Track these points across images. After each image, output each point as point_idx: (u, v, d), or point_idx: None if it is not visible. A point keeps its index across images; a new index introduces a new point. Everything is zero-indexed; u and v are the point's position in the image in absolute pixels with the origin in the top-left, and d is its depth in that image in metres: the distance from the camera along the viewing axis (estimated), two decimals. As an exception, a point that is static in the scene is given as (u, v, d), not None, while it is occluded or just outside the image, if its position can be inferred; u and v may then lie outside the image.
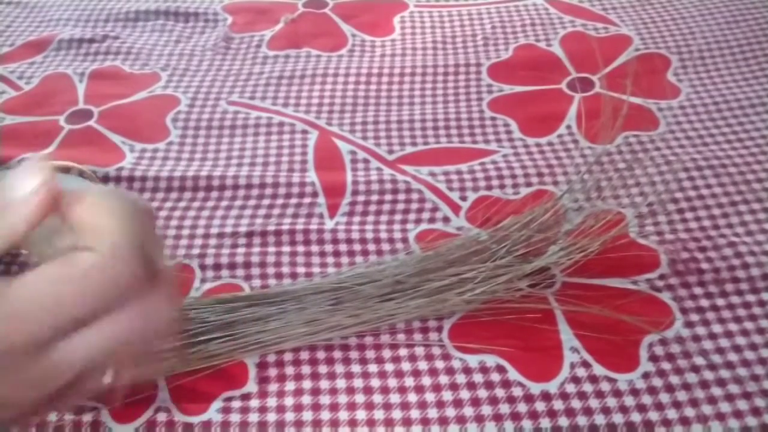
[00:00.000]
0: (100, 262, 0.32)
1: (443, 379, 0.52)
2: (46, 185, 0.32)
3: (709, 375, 0.51)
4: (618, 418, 0.49)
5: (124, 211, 0.33)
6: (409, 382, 0.52)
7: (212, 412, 0.50)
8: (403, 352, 0.54)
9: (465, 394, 0.51)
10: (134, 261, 0.32)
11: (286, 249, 0.61)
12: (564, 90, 0.78)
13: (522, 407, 0.50)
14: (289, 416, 0.50)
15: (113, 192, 0.37)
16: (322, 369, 0.53)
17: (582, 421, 0.49)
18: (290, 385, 0.52)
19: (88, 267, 0.32)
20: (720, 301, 0.56)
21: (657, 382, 0.51)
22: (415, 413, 0.50)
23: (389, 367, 0.53)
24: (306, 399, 0.51)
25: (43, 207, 0.32)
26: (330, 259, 0.61)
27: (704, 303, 0.56)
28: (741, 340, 0.53)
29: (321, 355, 0.54)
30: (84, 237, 0.32)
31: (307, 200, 0.66)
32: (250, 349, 0.53)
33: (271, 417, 0.50)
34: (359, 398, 0.51)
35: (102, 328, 0.33)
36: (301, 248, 0.61)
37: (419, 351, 0.54)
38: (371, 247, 0.61)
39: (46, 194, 0.32)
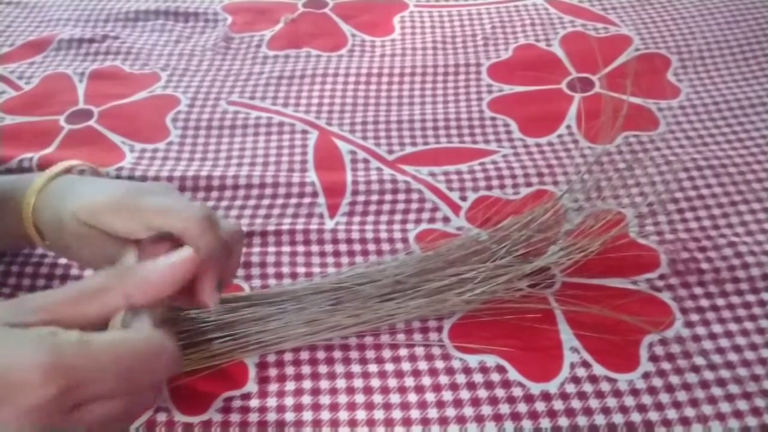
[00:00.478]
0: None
1: (443, 379, 0.52)
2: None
3: (709, 375, 0.51)
4: (618, 418, 0.49)
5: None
6: (409, 382, 0.52)
7: (212, 412, 0.50)
8: (403, 352, 0.54)
9: (465, 394, 0.51)
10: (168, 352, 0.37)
11: (286, 249, 0.61)
12: (564, 90, 0.78)
13: (522, 407, 0.50)
14: (289, 416, 0.50)
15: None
16: (322, 369, 0.53)
17: (582, 421, 0.49)
18: (290, 385, 0.52)
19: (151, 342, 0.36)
20: (720, 301, 0.56)
21: (657, 382, 0.51)
22: (415, 413, 0.50)
23: (389, 367, 0.53)
24: (306, 399, 0.51)
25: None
26: (330, 259, 0.60)
27: (704, 303, 0.56)
28: (741, 340, 0.53)
29: (321, 355, 0.54)
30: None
31: (307, 200, 0.66)
32: (250, 349, 0.53)
33: (271, 417, 0.50)
34: (359, 398, 0.51)
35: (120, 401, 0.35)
36: (301, 248, 0.61)
37: (419, 351, 0.54)
38: (371, 247, 0.61)
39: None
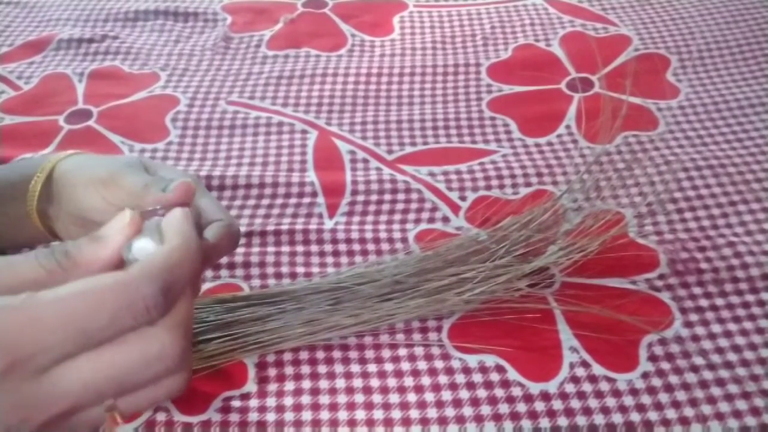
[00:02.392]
0: (119, 285, 0.32)
1: (442, 379, 0.52)
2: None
3: (708, 375, 0.51)
4: (617, 418, 0.49)
5: (173, 242, 0.35)
6: (409, 381, 0.52)
7: (211, 412, 0.50)
8: (402, 351, 0.54)
9: (464, 394, 0.51)
10: (151, 293, 0.33)
11: (286, 249, 0.61)
12: (563, 90, 0.78)
13: (521, 407, 0.50)
14: (289, 416, 0.50)
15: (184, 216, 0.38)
16: (322, 369, 0.53)
17: (581, 420, 0.49)
18: (289, 385, 0.52)
19: (106, 287, 0.32)
20: (719, 301, 0.56)
21: (656, 381, 0.51)
22: (414, 413, 0.50)
23: (388, 366, 0.53)
24: (305, 399, 0.51)
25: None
26: (329, 259, 0.60)
27: (703, 303, 0.56)
28: (740, 340, 0.53)
29: (320, 354, 0.54)
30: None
31: (306, 200, 0.66)
32: (249, 349, 0.53)
33: (271, 417, 0.50)
34: (358, 398, 0.51)
35: (103, 358, 0.32)
36: (300, 248, 0.61)
37: (418, 351, 0.54)
38: (370, 246, 0.61)
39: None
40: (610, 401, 0.50)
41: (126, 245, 0.36)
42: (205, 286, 0.58)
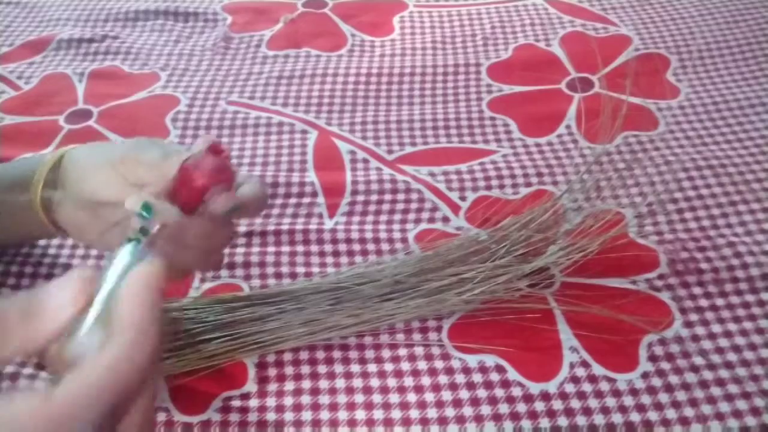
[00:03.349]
0: (42, 420, 0.27)
1: (442, 379, 0.52)
2: (83, 294, 0.29)
3: (708, 375, 0.51)
4: (617, 418, 0.49)
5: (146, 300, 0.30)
6: (409, 381, 0.52)
7: (211, 412, 0.50)
8: (402, 351, 0.54)
9: (464, 394, 0.51)
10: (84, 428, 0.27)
11: (286, 249, 0.61)
12: (564, 90, 0.78)
13: (521, 407, 0.50)
14: (289, 416, 0.50)
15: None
16: (322, 369, 0.53)
17: (581, 420, 0.49)
18: (289, 385, 0.52)
19: (113, 360, 0.28)
20: (719, 301, 0.56)
21: (656, 381, 0.51)
22: (414, 413, 0.50)
23: (388, 366, 0.53)
24: (305, 399, 0.51)
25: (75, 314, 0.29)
26: (329, 259, 0.60)
27: (703, 303, 0.56)
28: (740, 340, 0.53)
29: (320, 354, 0.54)
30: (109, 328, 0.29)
31: (306, 200, 0.66)
32: (249, 349, 0.53)
33: (271, 417, 0.50)
34: (358, 398, 0.51)
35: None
36: (300, 248, 0.61)
37: (418, 351, 0.54)
38: (370, 246, 0.61)
39: (82, 303, 0.29)
40: (610, 401, 0.50)
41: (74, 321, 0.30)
42: (205, 286, 0.58)
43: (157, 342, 0.29)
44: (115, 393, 0.27)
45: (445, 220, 0.64)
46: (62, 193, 0.50)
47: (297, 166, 0.70)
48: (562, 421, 0.49)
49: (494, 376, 0.52)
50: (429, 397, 0.51)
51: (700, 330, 0.54)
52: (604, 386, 0.51)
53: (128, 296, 0.30)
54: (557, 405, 0.50)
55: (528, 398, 0.50)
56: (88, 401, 0.27)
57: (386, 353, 0.54)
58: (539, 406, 0.50)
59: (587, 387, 0.51)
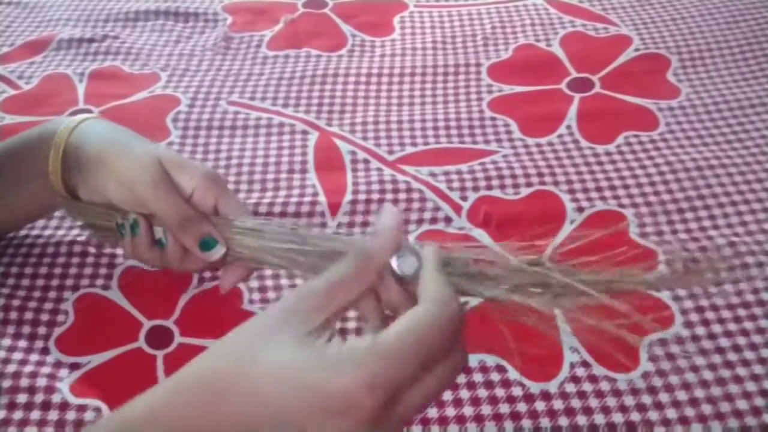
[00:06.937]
0: (444, 319, 0.37)
1: (443, 379, 0.52)
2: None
3: (708, 375, 0.51)
4: (618, 418, 0.49)
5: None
6: (409, 381, 0.52)
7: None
8: (403, 351, 0.54)
9: (464, 394, 0.51)
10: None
11: (286, 249, 0.61)
12: (564, 90, 0.78)
13: (522, 407, 0.50)
14: (290, 416, 0.50)
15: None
16: (322, 369, 0.53)
17: (582, 420, 0.49)
18: (290, 385, 0.52)
19: (440, 320, 0.37)
20: (719, 301, 0.56)
21: (657, 381, 0.51)
22: (415, 413, 0.50)
23: (389, 366, 0.53)
24: (306, 399, 0.51)
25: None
26: (330, 259, 0.60)
27: (703, 303, 0.56)
28: (740, 340, 0.53)
29: (321, 354, 0.54)
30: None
31: (307, 200, 0.66)
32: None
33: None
34: (359, 398, 0.51)
35: (428, 380, 0.37)
36: (301, 248, 0.61)
37: (419, 351, 0.54)
38: (371, 247, 0.61)
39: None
40: (611, 401, 0.50)
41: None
42: (205, 286, 0.58)
43: (457, 317, 0.37)
44: (422, 355, 0.35)
45: (447, 220, 0.64)
46: (78, 178, 0.53)
47: (297, 166, 0.70)
48: (563, 421, 0.49)
49: (495, 376, 0.52)
50: (430, 397, 0.51)
51: (700, 330, 0.54)
52: (605, 386, 0.51)
53: (429, 272, 0.40)
54: (558, 405, 0.50)
55: (528, 398, 0.50)
56: (409, 351, 0.35)
57: (387, 353, 0.53)
58: (540, 405, 0.50)
59: (588, 387, 0.51)
